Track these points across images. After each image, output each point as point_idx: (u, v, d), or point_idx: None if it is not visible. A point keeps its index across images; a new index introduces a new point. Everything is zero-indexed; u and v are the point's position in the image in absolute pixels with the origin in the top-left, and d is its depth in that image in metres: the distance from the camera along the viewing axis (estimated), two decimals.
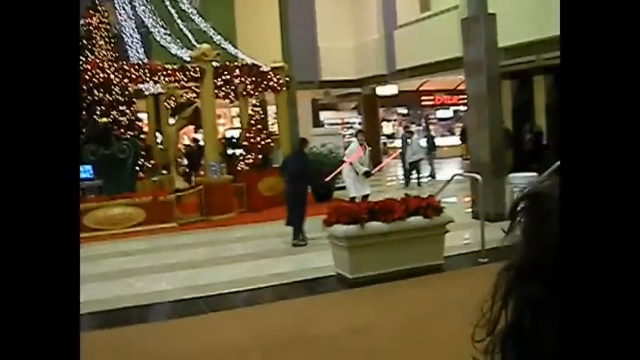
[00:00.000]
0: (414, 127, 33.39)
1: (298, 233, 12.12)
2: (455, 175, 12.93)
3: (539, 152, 20.74)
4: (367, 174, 13.95)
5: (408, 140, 21.92)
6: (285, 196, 12.74)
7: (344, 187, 19.63)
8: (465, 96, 15.63)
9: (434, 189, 16.64)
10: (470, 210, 13.73)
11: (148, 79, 16.09)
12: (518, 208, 0.88)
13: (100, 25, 17.46)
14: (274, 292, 8.86)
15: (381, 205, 8.89)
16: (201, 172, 18.01)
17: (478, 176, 10.65)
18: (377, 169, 13.79)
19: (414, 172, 21.51)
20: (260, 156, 17.89)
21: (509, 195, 12.55)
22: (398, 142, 27.85)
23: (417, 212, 8.88)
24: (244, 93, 18.62)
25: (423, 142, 24.14)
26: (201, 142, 19.98)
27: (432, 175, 23.30)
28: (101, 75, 15.96)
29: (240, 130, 20.14)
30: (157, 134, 19.33)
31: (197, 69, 16.06)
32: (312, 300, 8.35)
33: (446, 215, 9.17)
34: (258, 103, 18.74)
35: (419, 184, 21.11)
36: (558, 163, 9.39)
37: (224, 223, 15.35)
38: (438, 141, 33.37)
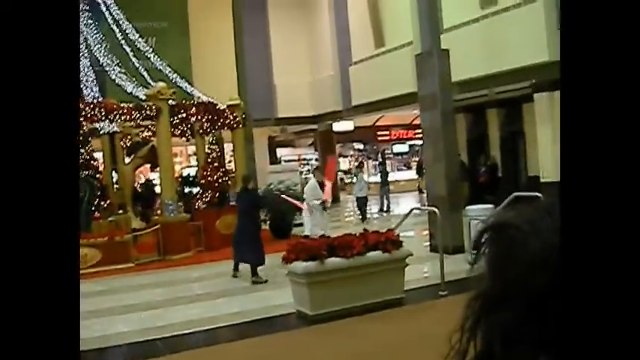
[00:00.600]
0: (370, 162, 33.71)
1: (256, 270, 12.00)
2: (413, 209, 13.02)
3: (494, 184, 21.00)
4: (322, 204, 13.72)
5: (355, 177, 22.27)
6: (234, 233, 12.85)
7: (302, 224, 19.68)
8: (421, 130, 15.79)
9: (390, 223, 16.75)
10: (428, 243, 13.79)
11: (103, 117, 15.91)
12: (483, 239, 0.88)
13: None
14: (233, 332, 8.73)
15: (340, 240, 8.87)
16: (159, 211, 17.83)
17: (436, 209, 10.71)
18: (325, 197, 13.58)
19: (363, 207, 21.65)
20: (217, 194, 17.77)
21: (466, 227, 12.63)
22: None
23: (376, 247, 8.88)
24: (201, 131, 18.54)
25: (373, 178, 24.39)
26: (155, 181, 19.84)
27: (387, 209, 23.43)
28: None
29: (197, 169, 20.04)
30: (113, 173, 19.09)
31: (153, 107, 15.97)
32: (273, 338, 8.24)
33: (405, 249, 9.19)
34: (214, 141, 18.66)
35: (363, 219, 21.19)
36: (515, 194, 9.53)
37: (182, 262, 15.16)
38: (396, 175, 33.69)
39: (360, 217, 21.50)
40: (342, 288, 8.62)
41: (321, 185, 13.83)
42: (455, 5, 18.17)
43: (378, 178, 26.14)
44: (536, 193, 11.45)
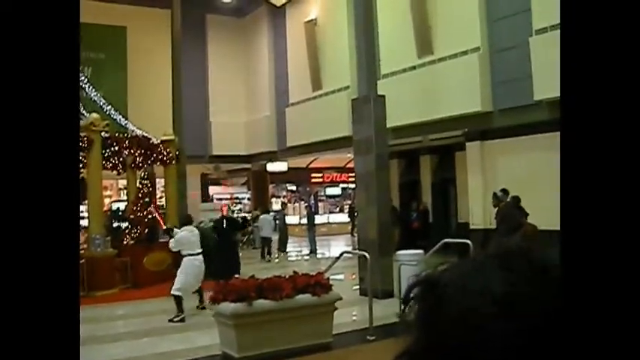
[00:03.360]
0: (302, 204, 33.72)
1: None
2: (343, 253, 13.02)
3: (425, 230, 21.21)
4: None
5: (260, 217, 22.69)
6: None
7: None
8: (354, 174, 15.88)
9: (318, 265, 16.77)
10: (357, 287, 13.77)
11: None
12: (412, 294, 0.89)
13: None
14: None
15: (270, 282, 8.77)
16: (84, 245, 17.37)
17: (366, 254, 10.71)
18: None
19: (266, 246, 22.22)
20: (146, 230, 17.43)
21: (396, 272, 12.67)
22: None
23: (305, 290, 8.80)
24: (133, 165, 18.25)
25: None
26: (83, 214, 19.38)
27: (313, 252, 23.45)
28: None
29: (127, 203, 19.68)
30: None
31: (85, 139, 15.63)
32: None
33: (334, 293, 9.14)
34: (146, 176, 18.36)
35: (262, 256, 22.00)
36: (444, 240, 9.63)
37: (107, 299, 14.74)
38: (328, 218, 33.75)
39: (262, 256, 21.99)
40: (271, 330, 8.50)
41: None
42: (393, 52, 18.51)
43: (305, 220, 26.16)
44: (466, 240, 11.59)
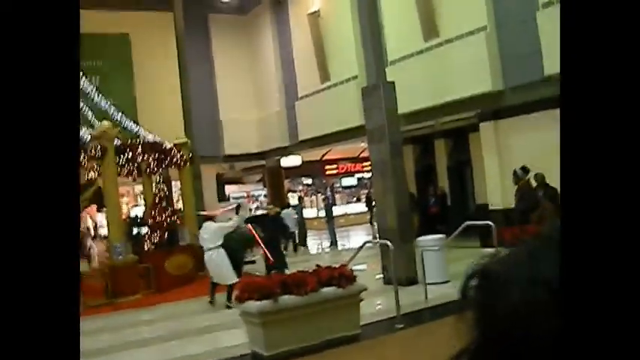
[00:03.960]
0: (319, 197, 33.66)
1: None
2: (365, 243, 12.98)
3: (444, 214, 21.12)
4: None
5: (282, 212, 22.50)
6: None
7: (253, 262, 19.49)
8: (369, 163, 15.82)
9: (339, 257, 16.74)
10: (381, 276, 13.72)
11: None
12: (469, 286, 0.84)
13: None
14: None
15: (293, 277, 8.73)
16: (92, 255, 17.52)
17: (389, 243, 10.63)
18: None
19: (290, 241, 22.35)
20: (166, 234, 17.45)
21: (419, 258, 12.60)
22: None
23: (330, 283, 8.76)
24: (147, 170, 18.28)
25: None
26: (89, 224, 19.51)
27: (334, 243, 23.42)
28: None
29: (145, 209, 19.72)
30: None
31: (98, 148, 15.65)
32: None
33: (359, 284, 9.09)
34: (162, 180, 18.38)
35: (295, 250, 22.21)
36: (466, 223, 9.57)
37: (131, 305, 14.78)
38: (345, 208, 33.71)
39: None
40: (298, 326, 8.46)
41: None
42: (399, 38, 18.38)
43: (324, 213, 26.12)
44: (488, 222, 11.50)
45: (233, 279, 12.82)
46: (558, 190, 13.30)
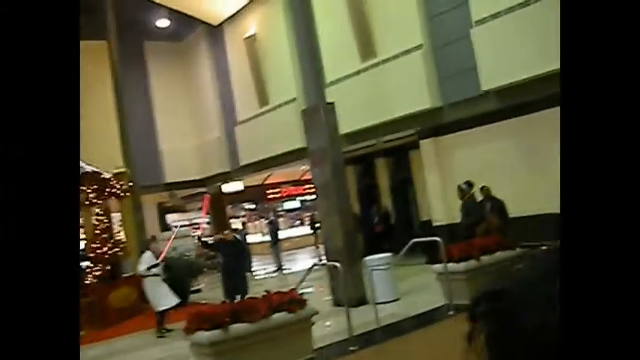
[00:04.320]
0: (263, 221, 33.45)
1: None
2: (314, 265, 12.90)
3: (389, 232, 21.17)
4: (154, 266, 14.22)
5: None
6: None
7: (199, 290, 19.18)
8: (312, 185, 15.75)
9: (286, 281, 16.59)
10: (330, 298, 13.62)
11: None
12: (478, 310, 0.79)
13: None
14: None
15: (244, 305, 8.57)
16: None
17: (337, 264, 10.54)
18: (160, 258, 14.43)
19: None
20: (108, 266, 17.00)
21: (367, 278, 12.54)
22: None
23: (280, 308, 8.61)
24: (87, 202, 17.83)
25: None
26: None
27: (280, 268, 23.29)
28: None
29: (85, 242, 19.23)
30: None
31: None
32: None
33: (310, 308, 8.97)
34: (102, 212, 17.91)
35: None
36: (414, 240, 9.59)
37: None
38: (289, 232, 33.58)
39: None
40: (250, 354, 8.27)
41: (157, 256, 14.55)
42: (336, 59, 18.41)
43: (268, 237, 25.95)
44: (435, 238, 11.52)
45: (162, 306, 13.53)
46: (504, 202, 13.53)
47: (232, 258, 14.76)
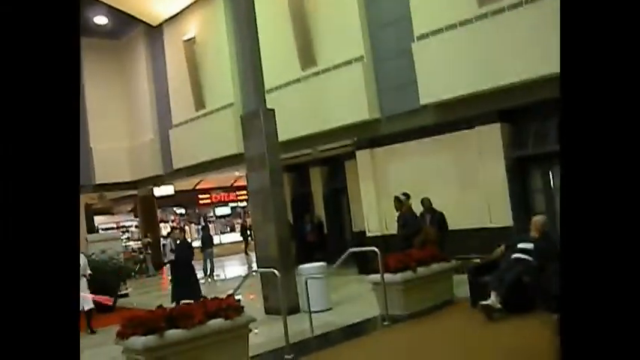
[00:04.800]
0: (192, 227, 33.15)
1: None
2: (252, 271, 12.81)
3: (321, 242, 21.19)
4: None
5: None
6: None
7: (127, 295, 18.80)
8: (243, 192, 15.64)
9: (216, 287, 16.37)
10: (262, 306, 13.52)
11: None
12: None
13: None
14: None
15: (180, 310, 8.38)
16: None
17: (276, 271, 10.46)
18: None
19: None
20: None
21: (301, 286, 12.49)
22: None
23: (217, 314, 8.47)
24: None
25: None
26: None
27: (210, 272, 23.08)
28: None
29: None
30: None
31: None
32: None
33: (247, 315, 8.85)
34: None
35: None
36: (351, 249, 9.61)
37: None
38: (219, 238, 33.36)
39: None
40: None
41: None
42: (275, 66, 18.32)
43: (199, 242, 25.70)
44: (373, 248, 11.55)
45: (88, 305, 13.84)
46: (444, 214, 13.68)
47: (186, 261, 14.58)
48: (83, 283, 13.72)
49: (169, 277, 15.65)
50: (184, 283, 14.41)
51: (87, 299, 13.72)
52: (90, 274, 14.28)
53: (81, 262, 13.56)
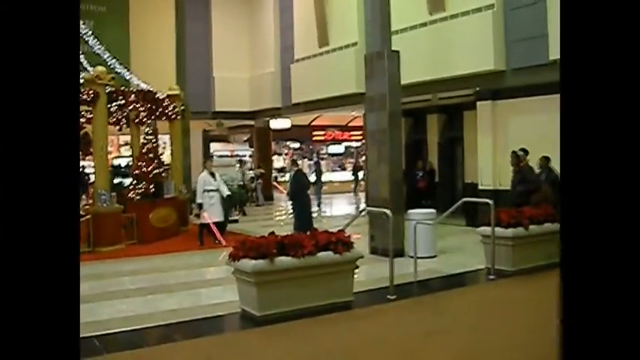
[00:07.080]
0: (305, 162, 33.54)
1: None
2: (364, 210, 12.92)
3: (431, 190, 21.04)
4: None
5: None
6: None
7: (237, 221, 19.35)
8: (357, 132, 15.67)
9: (321, 223, 16.65)
10: (367, 245, 13.63)
11: None
12: None
13: None
14: (173, 331, 8.26)
15: (291, 239, 8.56)
16: (90, 201, 17.14)
17: (388, 211, 10.46)
18: None
19: None
20: (151, 186, 17.15)
21: (409, 231, 12.48)
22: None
23: (327, 247, 8.62)
24: (137, 120, 17.94)
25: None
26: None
27: (318, 207, 23.41)
28: None
29: (131, 159, 19.42)
30: None
31: (90, 92, 15.26)
32: (218, 339, 7.84)
33: (356, 251, 8.97)
34: (150, 132, 17.95)
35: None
36: (464, 199, 9.56)
37: (113, 255, 14.59)
38: (330, 176, 33.65)
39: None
40: (291, 289, 8.32)
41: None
42: (402, 8, 18.02)
43: (312, 178, 26.02)
44: (487, 200, 11.39)
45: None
46: (559, 175, 13.31)
47: (300, 189, 15.47)
48: (216, 197, 15.75)
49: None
50: (303, 212, 15.44)
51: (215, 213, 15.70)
52: (228, 195, 16.28)
53: (215, 180, 15.78)
